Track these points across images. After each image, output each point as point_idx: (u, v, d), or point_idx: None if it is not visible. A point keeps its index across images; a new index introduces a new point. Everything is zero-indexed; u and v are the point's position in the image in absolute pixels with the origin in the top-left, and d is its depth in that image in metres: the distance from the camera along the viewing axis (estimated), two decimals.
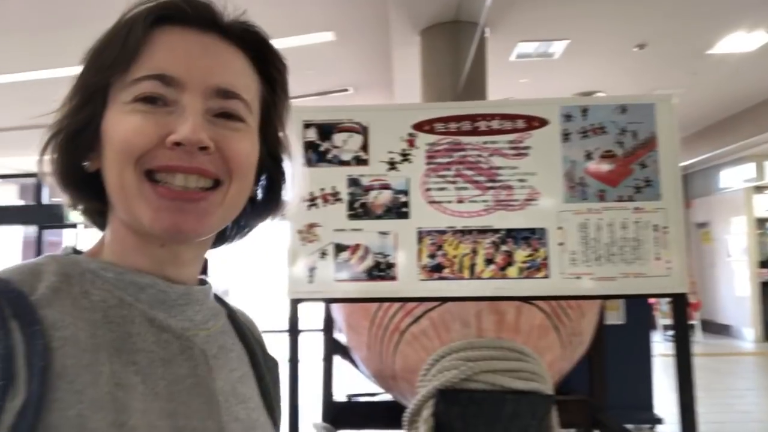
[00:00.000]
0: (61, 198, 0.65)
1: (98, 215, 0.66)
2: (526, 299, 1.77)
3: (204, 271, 0.72)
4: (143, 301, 0.59)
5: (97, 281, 0.58)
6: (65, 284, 0.56)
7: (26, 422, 0.46)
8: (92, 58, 0.60)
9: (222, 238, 0.71)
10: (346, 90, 7.58)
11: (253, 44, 0.64)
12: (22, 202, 11.64)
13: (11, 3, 4.64)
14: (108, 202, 0.62)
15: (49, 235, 12.20)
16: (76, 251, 0.63)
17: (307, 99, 7.25)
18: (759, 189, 10.10)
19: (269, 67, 0.66)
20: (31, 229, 12.15)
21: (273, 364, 0.74)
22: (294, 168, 0.71)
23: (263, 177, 0.69)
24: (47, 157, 0.61)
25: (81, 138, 0.59)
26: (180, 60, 0.58)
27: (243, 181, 0.61)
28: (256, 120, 0.64)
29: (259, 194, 0.70)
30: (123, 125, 0.56)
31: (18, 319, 0.50)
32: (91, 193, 0.62)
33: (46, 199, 8.18)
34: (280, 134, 0.69)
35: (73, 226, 8.18)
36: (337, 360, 2.45)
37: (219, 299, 0.71)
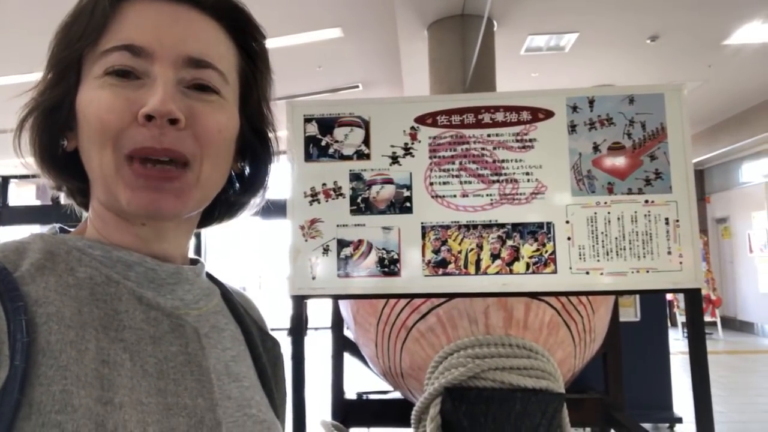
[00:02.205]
0: (44, 180, 0.64)
1: (82, 195, 0.65)
2: (534, 295, 1.74)
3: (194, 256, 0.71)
4: (131, 279, 0.58)
5: (84, 259, 0.57)
6: (50, 262, 0.55)
7: (11, 397, 0.45)
8: (62, 33, 0.58)
9: (211, 217, 0.70)
10: (356, 86, 7.57)
11: (228, 14, 0.61)
12: (39, 203, 11.82)
13: None
14: (88, 180, 0.60)
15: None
16: (63, 230, 0.62)
17: (317, 96, 7.25)
18: None
19: (247, 38, 0.64)
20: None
21: (273, 343, 0.72)
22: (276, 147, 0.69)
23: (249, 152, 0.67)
24: (25, 138, 0.59)
25: (57, 115, 0.58)
26: (149, 30, 0.56)
27: (216, 156, 0.59)
28: (235, 92, 0.62)
29: (247, 170, 0.68)
30: (95, 103, 0.55)
31: (0, 295, 0.49)
32: (71, 172, 0.61)
33: (63, 199, 8.38)
34: (264, 108, 0.67)
35: None
36: (348, 357, 2.44)
37: (213, 278, 0.70)
